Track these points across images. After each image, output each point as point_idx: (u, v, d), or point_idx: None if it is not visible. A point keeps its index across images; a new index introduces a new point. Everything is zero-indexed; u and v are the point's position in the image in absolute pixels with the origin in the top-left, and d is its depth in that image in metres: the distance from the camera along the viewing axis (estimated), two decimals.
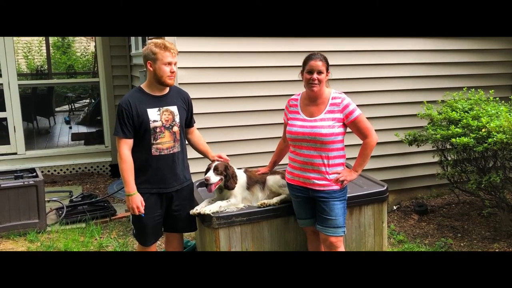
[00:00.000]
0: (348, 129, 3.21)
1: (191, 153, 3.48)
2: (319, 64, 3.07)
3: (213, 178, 3.25)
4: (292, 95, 3.35)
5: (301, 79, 3.21)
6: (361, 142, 3.22)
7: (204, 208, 3.24)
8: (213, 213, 3.24)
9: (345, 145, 3.25)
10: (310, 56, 3.13)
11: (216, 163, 3.31)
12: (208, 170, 3.29)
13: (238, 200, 3.37)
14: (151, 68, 3.07)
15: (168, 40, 4.17)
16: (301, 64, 3.20)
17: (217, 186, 3.33)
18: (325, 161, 3.11)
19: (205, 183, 3.29)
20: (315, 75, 3.07)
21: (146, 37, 5.31)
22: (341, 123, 3.12)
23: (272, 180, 3.53)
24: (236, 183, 3.36)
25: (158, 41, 3.07)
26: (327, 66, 3.12)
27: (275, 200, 3.45)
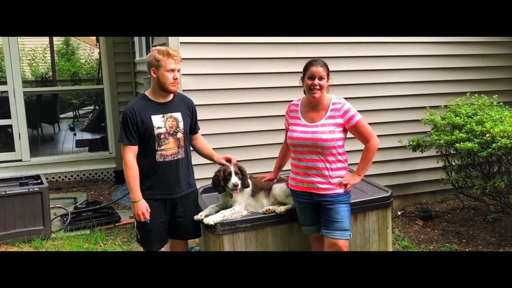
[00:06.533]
0: (350, 135, 3.22)
1: (196, 159, 3.49)
2: (320, 70, 3.09)
3: (239, 182, 3.27)
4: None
5: (301, 85, 3.23)
6: (362, 147, 3.23)
7: (208, 218, 3.22)
8: (216, 223, 3.23)
9: (348, 151, 3.26)
10: (311, 62, 3.15)
11: (232, 167, 3.32)
12: (229, 175, 3.27)
13: (242, 208, 3.37)
14: (154, 75, 3.09)
15: (172, 46, 4.24)
16: None
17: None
18: (328, 165, 3.12)
19: (234, 188, 3.26)
20: (316, 81, 3.09)
21: (151, 44, 5.35)
22: (342, 128, 3.14)
23: (279, 189, 3.51)
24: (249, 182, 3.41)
25: (162, 48, 3.09)
26: (328, 72, 3.15)
27: (282, 208, 3.43)
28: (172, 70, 3.06)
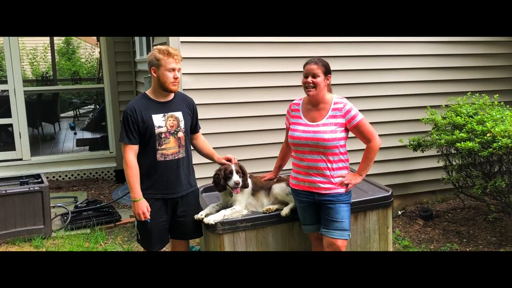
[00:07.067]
0: (351, 135, 3.21)
1: (196, 158, 3.49)
2: (314, 67, 3.09)
3: (240, 180, 3.26)
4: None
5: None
6: (364, 147, 3.23)
7: (208, 218, 3.22)
8: (216, 223, 3.23)
9: (349, 150, 3.25)
10: (307, 61, 3.17)
11: (233, 166, 3.32)
12: (230, 173, 3.27)
13: (242, 207, 3.36)
14: (155, 74, 3.09)
15: (173, 45, 4.24)
16: None
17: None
18: (329, 165, 3.11)
19: (235, 186, 3.27)
20: (309, 79, 3.09)
21: (151, 43, 5.35)
22: (343, 128, 3.13)
23: (279, 188, 3.51)
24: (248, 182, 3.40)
25: (162, 47, 3.09)
26: (326, 70, 3.12)
27: (287, 210, 3.40)
28: (173, 70, 3.06)
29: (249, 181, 3.48)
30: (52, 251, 4.53)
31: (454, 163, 5.00)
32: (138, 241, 3.33)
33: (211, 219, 3.20)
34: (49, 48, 11.75)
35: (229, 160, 3.42)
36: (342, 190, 3.13)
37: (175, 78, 3.08)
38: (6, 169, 6.55)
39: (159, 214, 3.18)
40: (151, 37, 5.44)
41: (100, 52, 8.29)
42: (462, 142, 4.41)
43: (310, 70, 3.09)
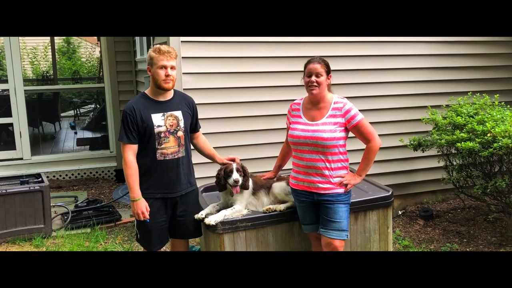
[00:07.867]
0: (350, 135, 3.22)
1: (196, 158, 3.49)
2: (317, 66, 3.10)
3: (240, 178, 3.26)
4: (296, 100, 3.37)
5: (303, 84, 3.23)
6: (364, 147, 3.23)
7: (209, 218, 3.22)
8: (217, 223, 3.23)
9: (349, 150, 3.25)
10: (309, 60, 3.17)
11: (235, 165, 3.31)
12: (231, 172, 3.27)
13: (242, 206, 3.36)
14: (150, 73, 3.11)
15: (173, 45, 4.25)
16: None
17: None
18: (328, 165, 3.11)
19: (235, 184, 3.26)
20: (313, 78, 3.10)
21: (151, 43, 5.35)
22: (343, 128, 3.13)
23: (278, 188, 3.51)
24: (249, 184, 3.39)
25: (156, 46, 3.11)
26: (327, 70, 3.14)
27: (282, 206, 3.43)
28: (164, 67, 3.05)
29: (250, 184, 3.45)
30: (53, 250, 4.54)
31: (454, 163, 5.00)
32: (138, 241, 3.33)
33: (211, 220, 3.19)
34: (50, 47, 11.75)
35: (232, 160, 3.42)
36: (341, 190, 3.13)
37: (167, 76, 3.07)
38: (7, 169, 6.56)
39: (159, 214, 3.18)
40: (151, 37, 5.44)
41: (100, 52, 8.29)
42: (463, 142, 4.41)
43: (314, 69, 3.10)
